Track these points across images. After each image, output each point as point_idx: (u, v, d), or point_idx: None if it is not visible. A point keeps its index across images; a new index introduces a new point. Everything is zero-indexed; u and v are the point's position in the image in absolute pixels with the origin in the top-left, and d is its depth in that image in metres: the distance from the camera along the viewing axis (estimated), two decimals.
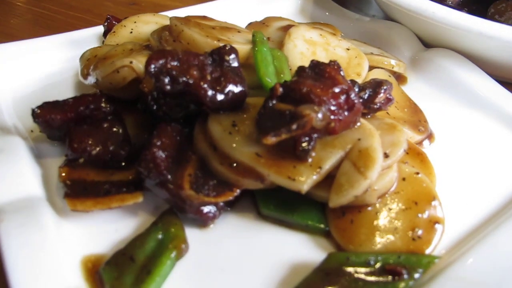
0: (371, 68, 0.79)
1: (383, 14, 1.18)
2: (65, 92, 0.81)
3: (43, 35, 0.90)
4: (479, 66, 0.87)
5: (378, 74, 0.78)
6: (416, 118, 0.75)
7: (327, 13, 1.08)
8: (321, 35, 0.79)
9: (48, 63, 0.86)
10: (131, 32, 0.84)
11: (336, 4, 1.10)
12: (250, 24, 0.87)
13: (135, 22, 0.86)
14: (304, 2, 1.12)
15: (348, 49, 0.78)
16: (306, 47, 0.75)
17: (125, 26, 0.85)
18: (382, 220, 0.57)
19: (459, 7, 0.99)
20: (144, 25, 0.86)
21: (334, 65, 0.60)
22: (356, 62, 0.76)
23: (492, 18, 0.95)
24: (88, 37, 0.92)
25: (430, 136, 0.75)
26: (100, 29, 0.92)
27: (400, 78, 0.87)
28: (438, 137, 0.76)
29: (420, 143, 0.73)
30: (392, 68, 0.84)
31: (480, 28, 0.81)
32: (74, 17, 1.17)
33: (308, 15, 1.10)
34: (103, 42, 0.88)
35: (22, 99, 0.79)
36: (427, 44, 0.96)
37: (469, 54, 0.89)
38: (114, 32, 0.85)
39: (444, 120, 0.79)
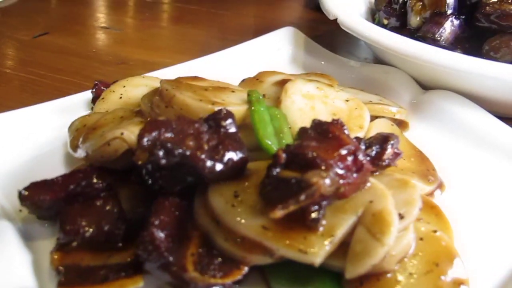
0: (372, 117, 0.76)
1: (374, 56, 1.17)
2: (55, 164, 0.77)
3: (30, 101, 0.86)
4: (479, 105, 0.85)
5: (381, 125, 0.75)
6: (424, 167, 0.72)
7: (321, 62, 1.06)
8: (318, 87, 0.76)
9: (36, 134, 0.82)
10: (120, 97, 0.81)
11: (327, 51, 1.08)
12: (243, 81, 0.84)
13: (124, 86, 0.83)
14: (295, 51, 1.11)
15: (347, 100, 0.75)
16: (304, 102, 0.72)
17: (114, 91, 0.82)
18: (403, 287, 0.53)
19: (452, 46, 0.97)
20: (134, 88, 0.83)
21: (337, 124, 0.57)
22: (357, 113, 0.73)
23: (487, 55, 0.93)
24: (77, 103, 0.89)
25: (440, 185, 0.71)
26: (89, 93, 0.89)
27: (402, 124, 0.84)
28: (448, 185, 0.72)
29: (431, 194, 0.69)
30: (394, 116, 0.81)
31: (479, 69, 0.79)
32: (61, 80, 1.14)
33: (301, 65, 1.08)
34: (92, 108, 0.85)
35: (9, 175, 0.74)
36: (425, 86, 0.94)
37: (468, 94, 0.87)
38: (103, 98, 0.81)
39: (452, 165, 0.76)
